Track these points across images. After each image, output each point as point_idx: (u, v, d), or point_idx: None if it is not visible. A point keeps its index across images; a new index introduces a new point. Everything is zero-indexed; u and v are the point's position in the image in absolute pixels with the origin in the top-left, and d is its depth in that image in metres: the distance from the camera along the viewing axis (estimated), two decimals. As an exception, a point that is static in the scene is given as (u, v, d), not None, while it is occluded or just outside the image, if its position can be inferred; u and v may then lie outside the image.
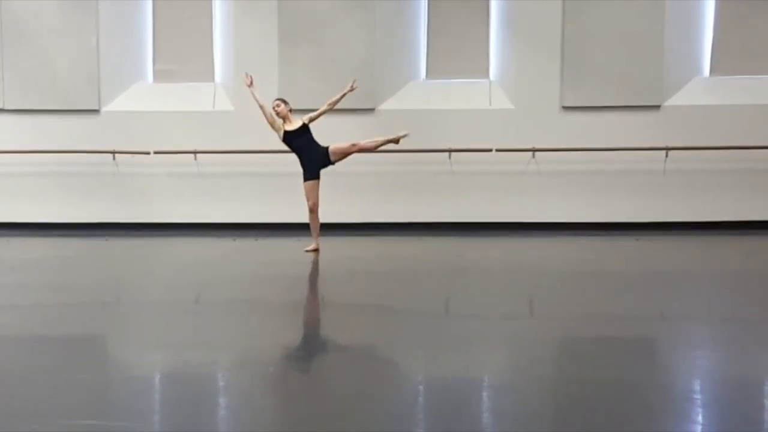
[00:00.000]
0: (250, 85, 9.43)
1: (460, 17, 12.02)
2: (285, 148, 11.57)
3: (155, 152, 11.90)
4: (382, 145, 9.36)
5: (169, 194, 12.06)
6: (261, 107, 9.31)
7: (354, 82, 9.43)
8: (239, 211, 11.95)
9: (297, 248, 9.75)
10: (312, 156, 9.26)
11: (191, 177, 12.02)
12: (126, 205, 12.07)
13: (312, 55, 11.73)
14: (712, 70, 11.79)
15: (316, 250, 9.31)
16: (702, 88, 11.75)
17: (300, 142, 9.25)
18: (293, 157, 11.61)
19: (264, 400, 3.72)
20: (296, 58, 11.80)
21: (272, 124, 9.31)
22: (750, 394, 3.82)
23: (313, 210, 9.35)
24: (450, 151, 11.64)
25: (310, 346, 4.87)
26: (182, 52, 12.34)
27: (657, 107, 11.60)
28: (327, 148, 9.25)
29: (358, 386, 3.94)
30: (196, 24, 12.30)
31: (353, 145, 9.25)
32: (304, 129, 9.27)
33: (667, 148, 11.45)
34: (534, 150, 11.60)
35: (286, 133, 9.28)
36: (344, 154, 9.28)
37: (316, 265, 8.59)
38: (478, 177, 11.73)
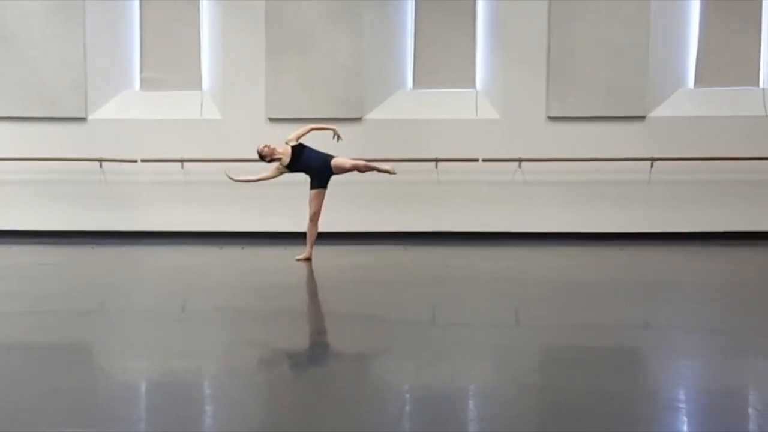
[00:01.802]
0: (236, 179, 9.57)
1: (446, 27, 12.07)
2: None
3: (142, 160, 11.88)
4: (373, 170, 9.35)
5: (155, 202, 12.04)
6: (261, 179, 9.45)
7: (339, 137, 9.36)
8: (226, 220, 11.93)
9: (283, 256, 9.75)
10: (318, 169, 9.25)
11: (178, 185, 12.00)
12: (112, 213, 12.03)
13: (299, 64, 11.75)
14: (697, 82, 11.88)
15: (308, 259, 9.31)
16: (686, 100, 11.84)
17: (300, 164, 9.25)
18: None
19: (249, 408, 3.73)
20: (283, 67, 11.82)
21: (280, 174, 9.38)
22: (734, 403, 3.85)
23: (313, 219, 9.32)
24: (437, 160, 11.67)
25: (297, 354, 4.88)
26: (169, 61, 12.33)
27: (642, 118, 11.68)
28: (330, 159, 9.24)
29: (344, 395, 3.96)
30: (184, 32, 12.30)
31: (354, 165, 9.23)
32: (298, 151, 9.26)
33: (652, 159, 11.52)
34: (520, 160, 11.65)
35: (287, 167, 9.30)
36: (343, 171, 9.26)
37: (302, 273, 8.59)
38: (464, 187, 11.76)
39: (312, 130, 9.38)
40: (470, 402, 3.91)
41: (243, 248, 10.83)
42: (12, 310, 6.30)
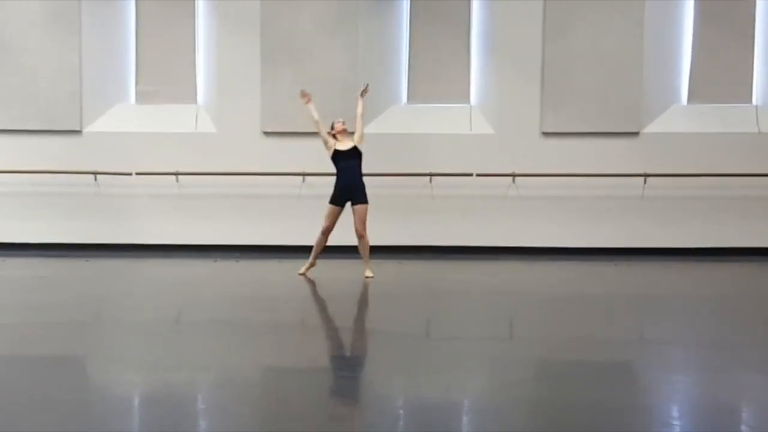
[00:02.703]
0: (308, 102, 9.35)
1: (441, 42, 12.13)
2: (269, 170, 11.66)
3: (137, 173, 11.89)
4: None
5: (150, 215, 12.04)
6: (316, 123, 9.27)
7: (366, 85, 9.54)
8: (220, 232, 11.94)
9: (278, 269, 9.76)
10: (348, 183, 9.13)
11: (173, 198, 12.01)
12: (107, 226, 12.03)
13: (294, 77, 11.78)
14: (690, 98, 11.95)
15: (308, 269, 9.29)
16: (680, 116, 11.90)
17: (346, 164, 9.17)
18: (276, 179, 11.69)
19: (243, 420, 3.73)
20: (278, 80, 11.85)
21: (326, 143, 9.26)
22: (727, 420, 3.86)
23: (324, 233, 9.25)
24: (431, 175, 11.70)
25: (290, 367, 4.88)
26: (165, 74, 12.36)
27: (635, 134, 11.74)
28: (364, 191, 9.17)
29: (338, 408, 3.96)
30: (179, 46, 12.34)
31: (359, 229, 9.10)
32: (355, 152, 9.19)
33: (646, 175, 11.57)
34: (514, 175, 11.69)
35: (336, 151, 9.22)
36: (358, 218, 9.10)
37: (296, 287, 8.59)
38: (458, 201, 11.79)
39: (361, 121, 9.38)
40: (463, 415, 3.92)
41: (238, 261, 10.84)
42: (6, 322, 6.29)
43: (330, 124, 9.35)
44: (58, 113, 12.03)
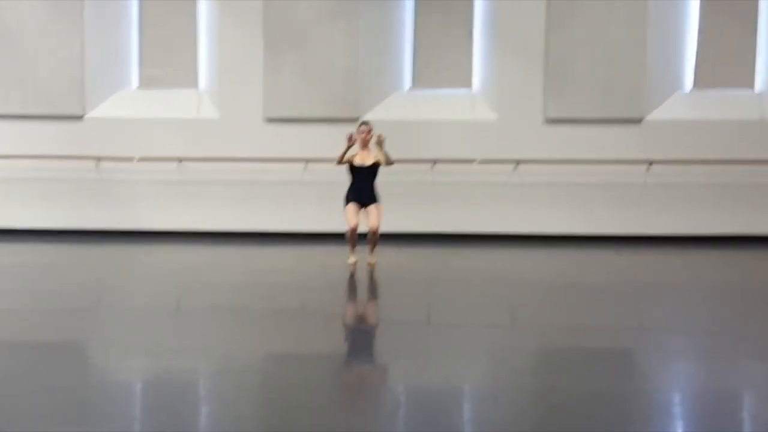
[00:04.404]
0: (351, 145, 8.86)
1: (444, 28, 12.07)
2: (271, 156, 11.63)
3: (139, 159, 11.86)
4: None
5: (152, 201, 12.02)
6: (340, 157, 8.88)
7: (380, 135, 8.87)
8: (223, 219, 11.93)
9: (280, 256, 9.75)
10: (359, 194, 8.94)
11: (175, 184, 11.98)
12: (109, 212, 12.01)
13: (296, 63, 11.73)
14: (694, 84, 11.89)
15: (354, 262, 8.98)
16: (684, 102, 11.84)
17: (360, 178, 8.95)
18: (278, 165, 11.67)
19: (243, 406, 3.74)
20: (281, 66, 11.80)
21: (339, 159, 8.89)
22: (726, 406, 3.86)
23: (352, 231, 8.94)
24: (433, 161, 11.67)
25: (291, 353, 4.89)
26: (167, 59, 12.31)
27: (639, 120, 11.68)
28: (376, 196, 9.02)
29: (338, 395, 3.97)
30: (182, 31, 12.28)
31: (374, 227, 8.93)
32: (373, 170, 8.93)
33: (649, 161, 11.53)
34: (517, 161, 11.65)
35: (352, 165, 8.90)
36: (375, 217, 8.96)
37: (297, 274, 8.59)
38: (460, 187, 11.76)
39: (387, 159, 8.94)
40: (464, 402, 3.92)
41: (242, 248, 10.81)
42: (6, 307, 6.30)
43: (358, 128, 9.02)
44: (60, 98, 11.98)
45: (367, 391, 4.07)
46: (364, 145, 8.94)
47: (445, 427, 3.37)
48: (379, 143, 8.73)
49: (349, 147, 8.80)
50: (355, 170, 8.95)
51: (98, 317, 6.18)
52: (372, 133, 8.93)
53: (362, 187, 8.98)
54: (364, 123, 9.09)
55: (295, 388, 3.98)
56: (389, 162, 8.82)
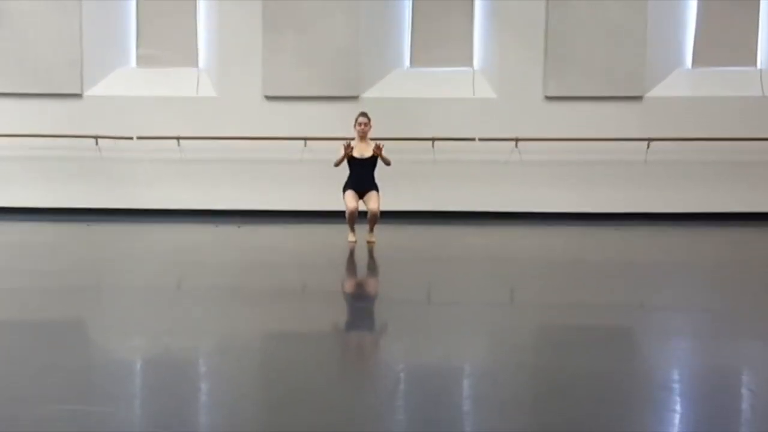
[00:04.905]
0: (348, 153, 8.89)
1: (444, 6, 12.01)
2: (270, 134, 11.61)
3: (138, 137, 11.85)
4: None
5: (151, 180, 12.02)
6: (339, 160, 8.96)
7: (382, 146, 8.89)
8: (222, 197, 11.93)
9: (279, 235, 9.74)
10: (358, 184, 9.00)
11: (174, 163, 11.98)
12: (108, 190, 12.01)
13: (296, 42, 11.70)
14: (694, 62, 11.86)
15: (354, 241, 9.05)
16: (684, 80, 11.81)
17: (358, 168, 9.00)
18: (278, 144, 11.65)
19: (245, 386, 3.74)
20: (280, 45, 11.76)
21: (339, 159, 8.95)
22: (727, 383, 3.86)
23: (351, 213, 9.01)
24: (433, 139, 11.65)
25: (291, 332, 4.89)
26: (166, 38, 12.27)
27: (639, 98, 11.66)
28: (374, 184, 9.07)
29: (338, 373, 3.97)
30: (180, 9, 12.23)
31: (376, 208, 9.00)
32: (371, 161, 8.96)
33: (649, 139, 11.52)
34: (517, 139, 11.64)
35: (351, 157, 8.94)
36: (374, 202, 9.00)
37: (296, 252, 8.60)
38: (460, 166, 11.75)
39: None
40: (464, 381, 3.92)
41: (239, 227, 10.82)
42: (6, 287, 6.30)
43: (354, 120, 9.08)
44: (59, 77, 11.96)
45: (367, 369, 4.07)
46: (363, 137, 8.95)
47: (444, 405, 3.37)
48: (378, 151, 8.82)
49: (345, 155, 8.87)
50: (354, 162, 8.95)
51: (98, 296, 6.18)
52: (370, 125, 9.02)
53: (361, 177, 9.03)
54: (363, 114, 9.08)
55: (294, 367, 3.98)
56: (387, 164, 8.95)
